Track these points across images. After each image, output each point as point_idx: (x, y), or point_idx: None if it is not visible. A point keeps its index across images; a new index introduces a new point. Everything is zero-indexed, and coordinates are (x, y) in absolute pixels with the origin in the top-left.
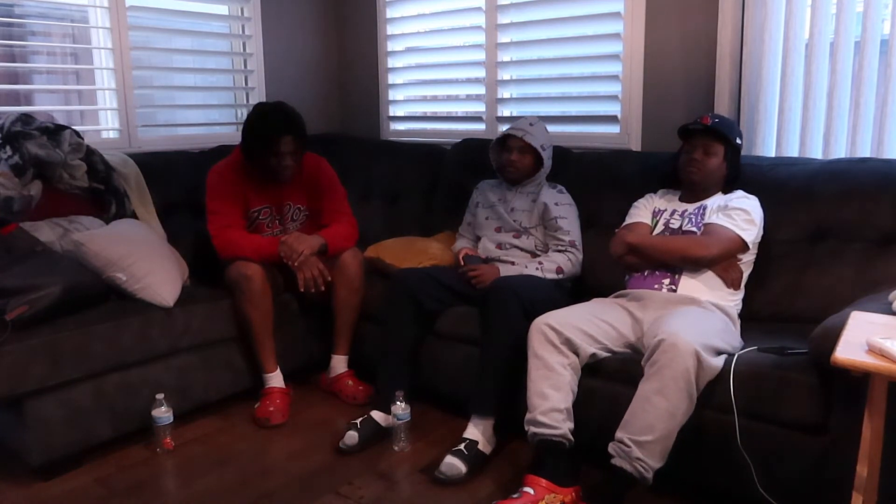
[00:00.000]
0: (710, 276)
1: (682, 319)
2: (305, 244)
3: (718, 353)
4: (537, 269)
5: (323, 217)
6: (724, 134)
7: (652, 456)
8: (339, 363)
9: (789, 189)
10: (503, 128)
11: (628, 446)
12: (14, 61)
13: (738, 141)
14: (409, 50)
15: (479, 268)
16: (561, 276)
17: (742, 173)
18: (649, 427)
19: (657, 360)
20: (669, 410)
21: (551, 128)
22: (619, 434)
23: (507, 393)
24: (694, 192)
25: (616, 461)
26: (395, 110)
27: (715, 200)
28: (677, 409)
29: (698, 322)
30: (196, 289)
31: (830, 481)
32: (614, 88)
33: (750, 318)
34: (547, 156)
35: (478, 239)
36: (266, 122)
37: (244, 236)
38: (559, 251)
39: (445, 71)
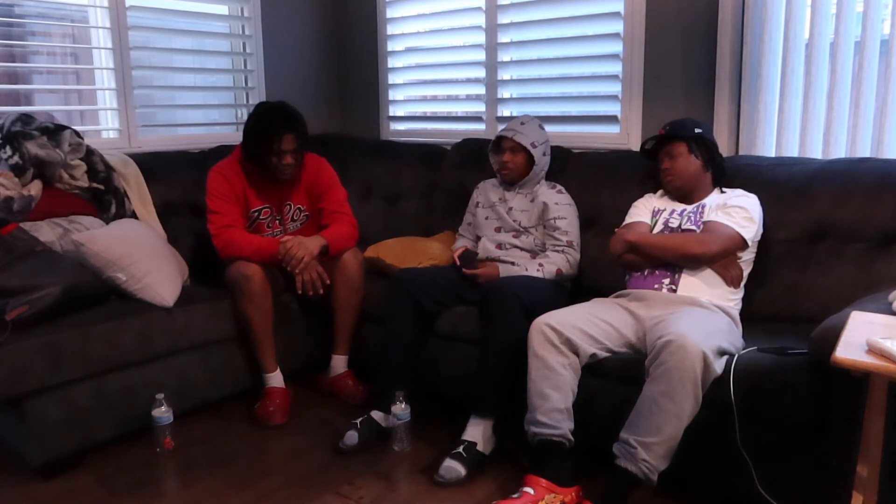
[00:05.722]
0: (709, 274)
1: (688, 320)
2: (305, 250)
3: (723, 353)
4: (538, 270)
5: (323, 217)
6: (676, 133)
7: (657, 457)
8: (339, 363)
9: (789, 189)
10: (503, 128)
11: (634, 447)
12: (14, 61)
13: (697, 130)
14: (409, 50)
15: (480, 269)
16: (559, 277)
17: (740, 173)
18: (656, 429)
19: (664, 362)
20: (676, 412)
21: (551, 128)
22: (623, 435)
23: (507, 393)
24: (687, 196)
25: (621, 462)
26: (395, 110)
27: (713, 199)
28: (684, 412)
29: (704, 323)
30: (196, 289)
31: (830, 481)
32: (614, 88)
33: (750, 318)
34: (539, 153)
35: (478, 239)
36: (267, 120)
37: (244, 236)
38: (557, 251)
39: (445, 71)
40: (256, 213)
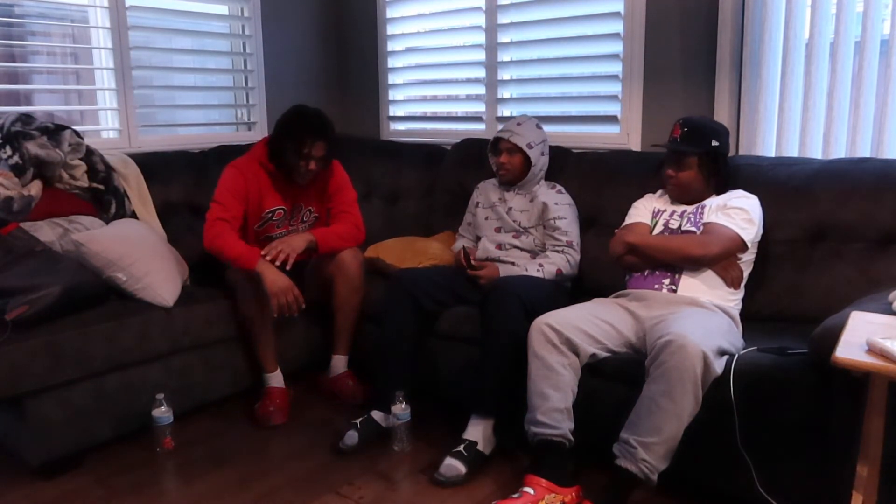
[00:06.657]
0: (710, 275)
1: (689, 321)
2: (290, 247)
3: (723, 353)
4: (538, 270)
5: (331, 217)
6: (692, 147)
7: (657, 457)
8: (339, 363)
9: (789, 189)
10: (500, 128)
11: (634, 447)
12: (14, 61)
13: (714, 143)
14: (409, 50)
15: (482, 268)
16: (559, 277)
17: (740, 173)
18: (656, 429)
19: (664, 362)
20: (676, 412)
21: (551, 128)
22: (623, 434)
23: (507, 393)
24: (685, 200)
25: (621, 462)
26: (395, 110)
27: (714, 200)
28: (683, 412)
29: (704, 323)
30: (196, 289)
31: (830, 481)
32: (614, 88)
33: (750, 318)
34: (537, 153)
35: (478, 239)
36: (304, 123)
37: (233, 237)
38: (556, 251)
39: (445, 71)
40: (270, 214)
